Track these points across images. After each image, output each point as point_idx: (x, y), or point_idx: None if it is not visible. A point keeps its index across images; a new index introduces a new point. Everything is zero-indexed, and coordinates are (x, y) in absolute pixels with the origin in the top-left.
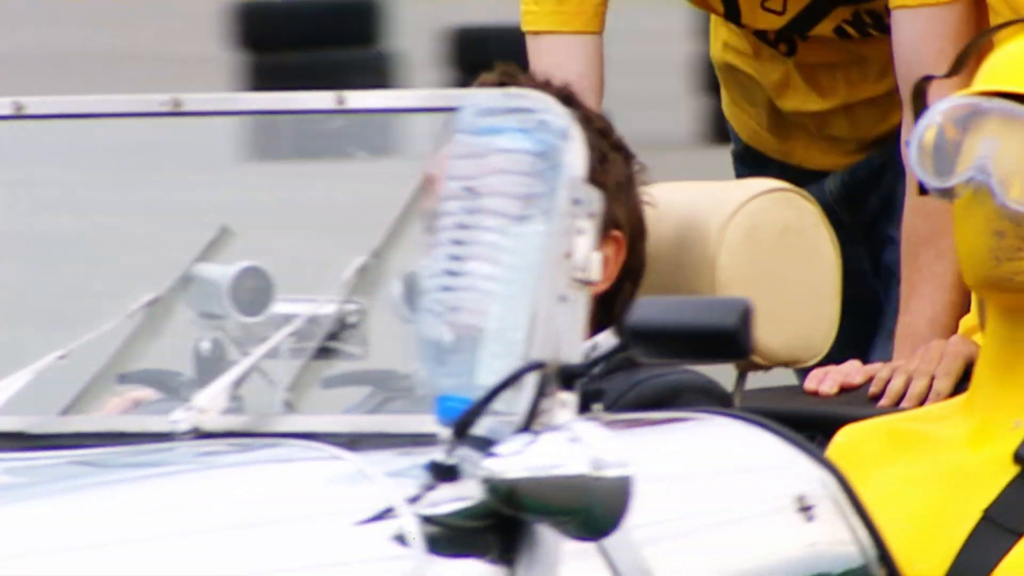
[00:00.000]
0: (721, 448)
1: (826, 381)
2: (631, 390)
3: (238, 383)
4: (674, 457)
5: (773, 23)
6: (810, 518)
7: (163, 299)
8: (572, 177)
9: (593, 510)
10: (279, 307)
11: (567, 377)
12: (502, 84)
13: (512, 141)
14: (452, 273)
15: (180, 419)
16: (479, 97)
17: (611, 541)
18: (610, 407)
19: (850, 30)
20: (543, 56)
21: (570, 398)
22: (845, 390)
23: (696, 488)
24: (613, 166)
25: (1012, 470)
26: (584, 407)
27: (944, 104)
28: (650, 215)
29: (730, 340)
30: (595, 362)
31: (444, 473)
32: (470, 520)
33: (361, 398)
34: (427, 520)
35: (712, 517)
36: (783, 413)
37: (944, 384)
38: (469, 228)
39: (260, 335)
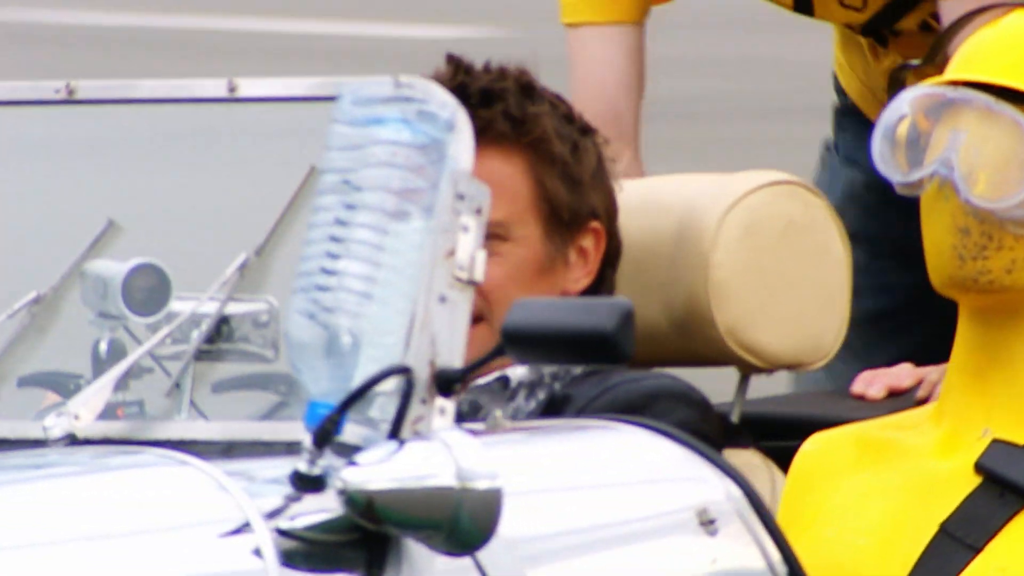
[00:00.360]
0: (620, 458)
1: (874, 385)
2: (602, 395)
3: (117, 387)
4: (568, 468)
5: (853, 18)
6: (713, 533)
7: (50, 297)
8: (456, 171)
9: (459, 524)
10: (180, 306)
11: (445, 382)
12: (455, 78)
13: (394, 132)
14: (328, 272)
15: (52, 425)
16: (361, 85)
17: (491, 558)
18: (579, 413)
19: (935, 24)
20: (581, 50)
21: (449, 404)
22: (894, 394)
23: (589, 501)
24: (586, 154)
25: (974, 481)
26: (555, 412)
27: (911, 93)
28: (649, 209)
29: (608, 344)
30: (473, 367)
31: (306, 484)
32: (332, 534)
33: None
34: (284, 534)
35: (605, 532)
36: (781, 418)
37: None
38: (346, 224)
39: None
